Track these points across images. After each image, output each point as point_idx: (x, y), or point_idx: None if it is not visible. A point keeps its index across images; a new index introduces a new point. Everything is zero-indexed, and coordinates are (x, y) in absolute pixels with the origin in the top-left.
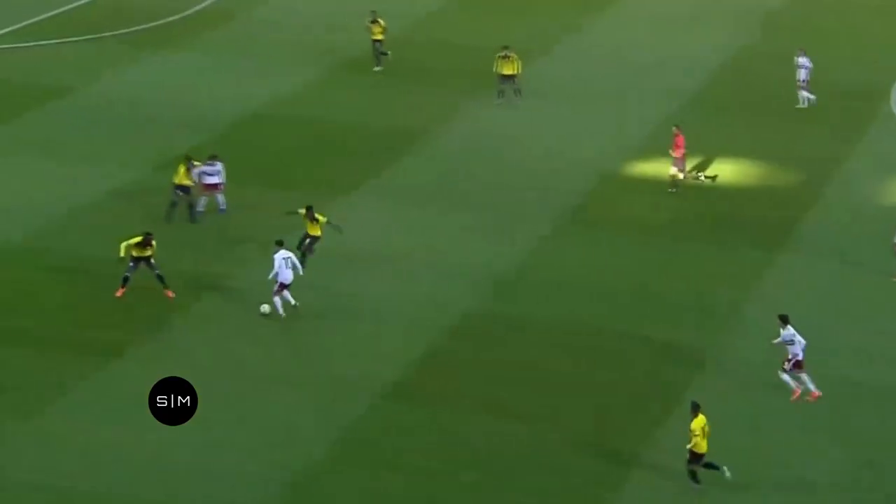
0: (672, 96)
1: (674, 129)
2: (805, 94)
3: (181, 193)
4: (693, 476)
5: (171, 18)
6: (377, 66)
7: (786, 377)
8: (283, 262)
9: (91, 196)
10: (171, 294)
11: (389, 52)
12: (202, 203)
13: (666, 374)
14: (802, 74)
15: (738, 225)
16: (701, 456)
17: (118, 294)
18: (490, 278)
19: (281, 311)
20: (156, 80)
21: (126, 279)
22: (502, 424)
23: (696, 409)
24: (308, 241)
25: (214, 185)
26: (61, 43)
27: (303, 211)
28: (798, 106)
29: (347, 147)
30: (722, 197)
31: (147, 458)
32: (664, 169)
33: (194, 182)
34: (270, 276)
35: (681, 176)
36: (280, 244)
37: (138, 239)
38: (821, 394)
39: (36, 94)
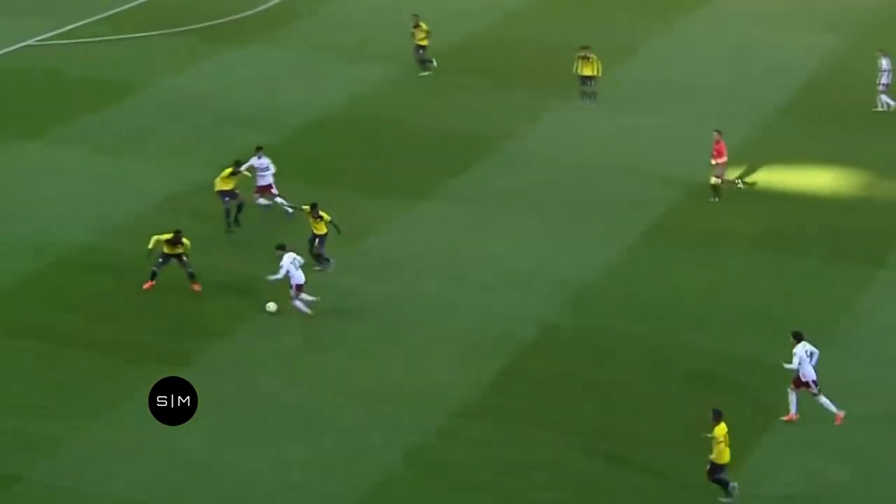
0: (762, 100)
1: (714, 134)
2: (885, 98)
3: (229, 199)
4: (723, 485)
5: (243, 14)
6: (426, 71)
7: (791, 396)
8: (293, 265)
9: (160, 197)
10: (197, 287)
11: (434, 61)
12: (261, 201)
13: (757, 394)
14: (884, 78)
15: (833, 237)
16: (723, 467)
17: (146, 287)
18: (568, 290)
19: (307, 309)
20: (227, 78)
21: (154, 273)
22: (579, 443)
23: (718, 417)
24: (317, 241)
25: (268, 187)
26: (134, 38)
27: (307, 208)
28: (875, 109)
29: (422, 150)
30: (815, 207)
31: (216, 471)
32: (758, 178)
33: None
34: (273, 278)
35: (719, 182)
36: (282, 248)
37: (168, 236)
38: (843, 414)
39: (108, 90)
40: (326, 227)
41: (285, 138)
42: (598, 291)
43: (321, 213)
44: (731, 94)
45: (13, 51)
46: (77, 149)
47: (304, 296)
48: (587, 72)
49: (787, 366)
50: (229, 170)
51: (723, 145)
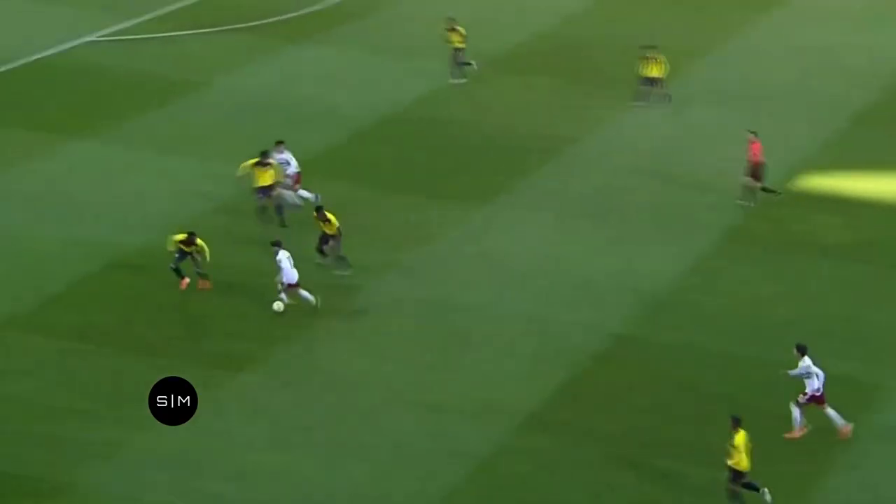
0: (845, 102)
1: (749, 135)
2: None
3: (263, 196)
4: (735, 497)
5: (309, 10)
6: (457, 78)
7: (796, 411)
8: (289, 261)
9: (218, 198)
10: (207, 285)
11: (475, 63)
12: (290, 196)
13: (837, 411)
14: None
15: None
16: (743, 474)
17: (182, 286)
18: (636, 299)
19: (311, 297)
20: (287, 77)
21: (178, 271)
22: (645, 458)
23: (737, 424)
24: (330, 241)
25: (293, 179)
26: (192, 35)
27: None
28: None
29: (485, 152)
30: None
31: (269, 482)
32: (839, 183)
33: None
34: (280, 278)
35: (757, 186)
36: (278, 244)
37: (182, 237)
38: (851, 427)
39: (166, 88)
40: (336, 228)
41: (347, 140)
42: (668, 301)
43: (327, 214)
44: (810, 95)
45: (72, 47)
46: (133, 148)
47: (301, 292)
48: (652, 73)
49: (792, 372)
50: (254, 160)
51: (758, 146)
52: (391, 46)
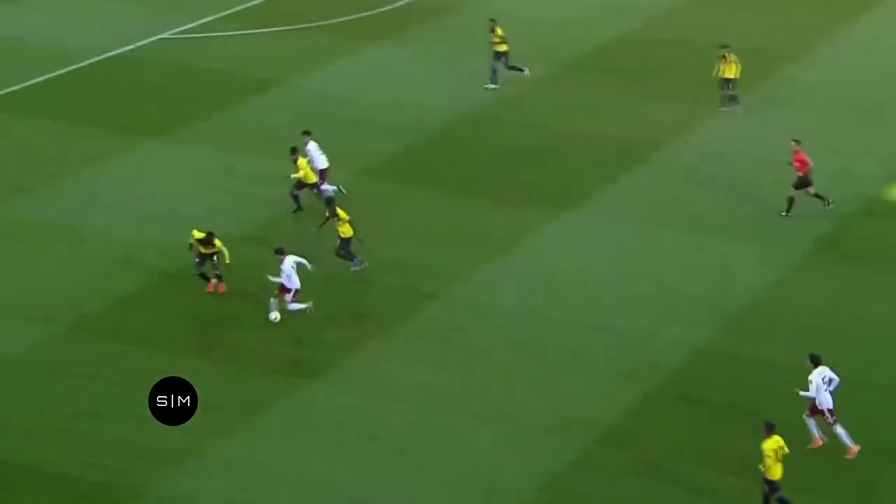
0: None
1: (792, 143)
2: None
3: (313, 191)
4: (785, 502)
5: (386, 8)
6: (493, 83)
7: (839, 428)
8: (294, 268)
9: (289, 202)
10: (222, 288)
11: (527, 70)
12: (329, 189)
13: None
14: None
15: None
16: (773, 483)
17: (209, 289)
18: (721, 312)
19: (276, 312)
20: (361, 77)
21: (203, 275)
22: (726, 476)
23: (770, 429)
24: (339, 243)
25: (324, 171)
26: (266, 33)
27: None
28: None
29: (565, 157)
30: None
31: (339, 494)
32: None
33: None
34: (273, 279)
35: (810, 191)
36: (281, 252)
37: (202, 235)
38: (858, 449)
39: (239, 87)
40: (351, 228)
41: (422, 142)
42: (755, 315)
43: (339, 211)
44: None
45: (144, 45)
46: (205, 148)
47: (287, 297)
48: (728, 74)
49: (804, 394)
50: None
51: (801, 154)
52: (468, 46)
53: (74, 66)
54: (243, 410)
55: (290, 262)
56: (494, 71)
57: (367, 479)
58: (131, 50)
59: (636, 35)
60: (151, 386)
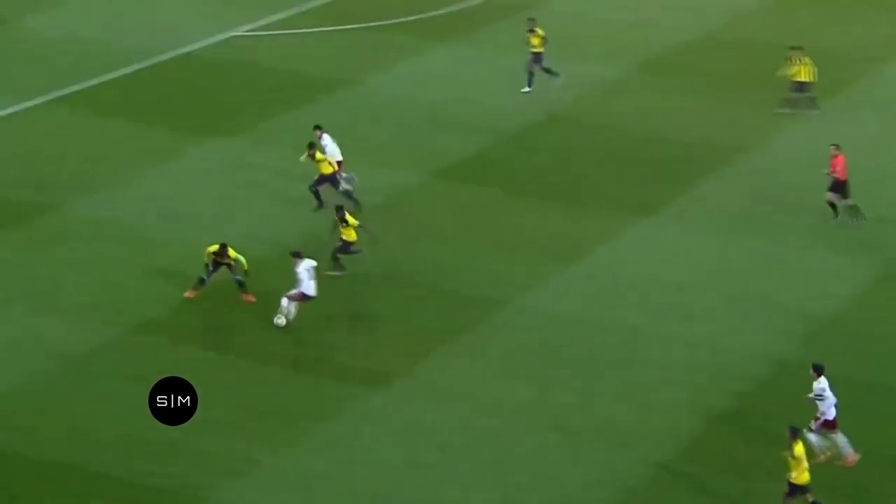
0: None
1: (831, 149)
2: None
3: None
4: None
5: (459, 6)
6: (527, 87)
7: (812, 437)
8: (308, 274)
9: (366, 204)
10: (251, 298)
11: (560, 75)
12: (346, 180)
13: None
14: None
15: None
16: (802, 487)
17: (188, 294)
18: (807, 324)
19: (282, 320)
20: (434, 77)
21: (202, 280)
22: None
23: (795, 434)
24: (339, 245)
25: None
26: (337, 31)
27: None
28: None
29: (646, 160)
30: None
31: None
32: None
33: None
34: (292, 291)
35: (848, 202)
36: (299, 255)
37: (215, 248)
38: (858, 457)
39: (309, 86)
40: (356, 234)
41: (492, 144)
42: (842, 327)
43: (347, 217)
44: None
45: (217, 42)
46: (272, 148)
47: (292, 308)
48: (803, 77)
49: (816, 396)
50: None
51: (840, 159)
52: (548, 46)
53: (139, 66)
54: (307, 418)
55: (305, 266)
56: (532, 74)
57: (433, 491)
58: (198, 49)
59: (717, 36)
60: (214, 391)
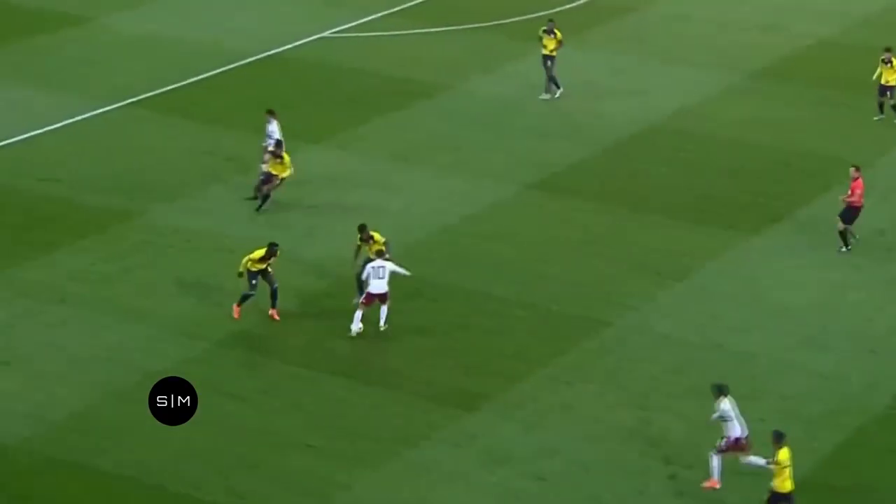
0: None
1: (851, 169)
2: None
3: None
4: None
5: (565, 7)
6: (547, 93)
7: (714, 460)
8: (373, 272)
9: (454, 216)
10: (275, 315)
11: (561, 88)
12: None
13: None
14: None
15: None
16: (785, 496)
17: (235, 315)
18: None
19: (358, 325)
20: (541, 81)
21: (246, 297)
22: None
23: (779, 439)
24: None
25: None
26: (434, 33)
27: (377, 243)
28: None
29: (759, 173)
30: None
31: None
32: None
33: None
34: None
35: (847, 228)
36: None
37: (261, 252)
38: (717, 486)
39: (408, 89)
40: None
41: (595, 154)
42: None
43: (372, 233)
44: None
45: (305, 43)
46: (367, 156)
47: (359, 314)
48: (888, 79)
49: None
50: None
51: (860, 182)
52: (649, 50)
53: (228, 66)
54: (397, 441)
55: (371, 266)
56: (552, 78)
57: None
58: (289, 49)
59: (840, 41)
60: (303, 408)
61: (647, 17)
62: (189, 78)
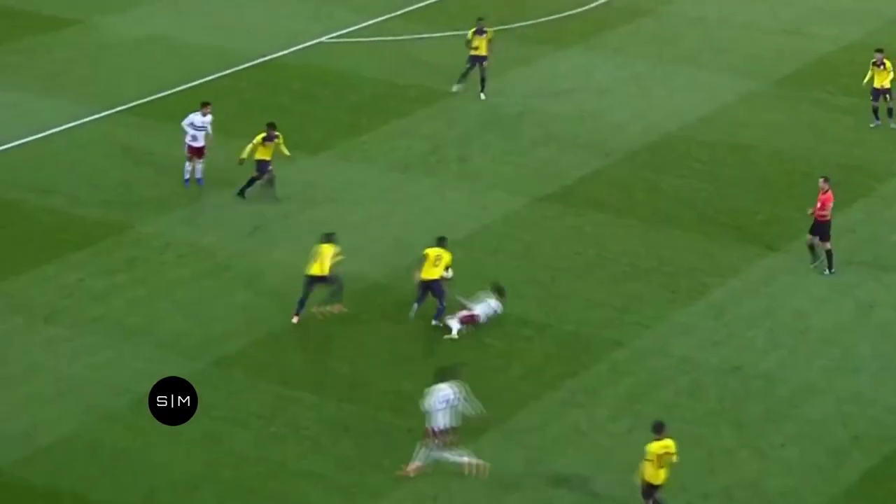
0: None
1: (820, 181)
2: None
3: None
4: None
5: (575, 11)
6: (458, 84)
7: (423, 451)
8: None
9: (462, 229)
10: (341, 308)
11: (459, 88)
12: (188, 170)
13: None
14: None
15: None
16: (651, 487)
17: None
18: None
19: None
20: (546, 88)
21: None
22: None
23: (659, 430)
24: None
25: (199, 150)
26: (437, 37)
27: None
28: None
29: (782, 184)
30: None
31: None
32: None
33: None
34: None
35: (826, 246)
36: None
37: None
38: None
39: (406, 97)
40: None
41: (612, 163)
42: None
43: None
44: None
45: (307, 47)
46: (368, 166)
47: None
48: (881, 83)
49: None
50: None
51: (829, 196)
52: (665, 54)
53: (222, 73)
54: (394, 469)
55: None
56: (466, 73)
57: None
58: (289, 54)
59: (866, 43)
60: (300, 436)
61: (662, 20)
62: (186, 83)
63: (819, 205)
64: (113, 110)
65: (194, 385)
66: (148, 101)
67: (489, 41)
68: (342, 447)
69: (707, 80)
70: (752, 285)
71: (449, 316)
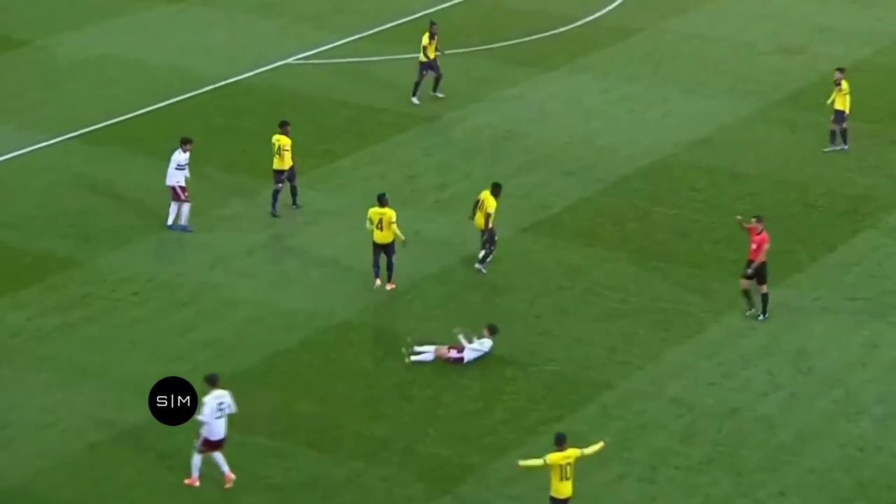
0: None
1: (753, 221)
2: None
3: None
4: None
5: (560, 30)
6: (415, 95)
7: (196, 459)
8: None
9: (441, 262)
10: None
11: (417, 100)
12: (173, 213)
13: None
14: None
15: None
16: (562, 501)
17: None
18: None
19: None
20: (529, 111)
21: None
22: None
23: (561, 442)
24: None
25: (182, 190)
26: (413, 58)
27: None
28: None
29: (778, 217)
30: None
31: None
32: None
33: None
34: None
35: (762, 290)
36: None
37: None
38: (196, 483)
39: (381, 121)
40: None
41: (600, 190)
42: None
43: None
44: None
45: (273, 68)
46: (340, 196)
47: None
48: (839, 105)
49: (200, 418)
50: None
51: (763, 237)
52: (658, 75)
53: (184, 96)
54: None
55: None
56: (419, 81)
57: None
58: (256, 75)
59: (872, 63)
60: (267, 486)
61: (655, 38)
62: (144, 107)
63: (754, 246)
64: (66, 136)
65: (151, 431)
66: (104, 126)
67: (435, 46)
68: (312, 497)
69: (701, 101)
70: (749, 322)
71: (427, 347)
